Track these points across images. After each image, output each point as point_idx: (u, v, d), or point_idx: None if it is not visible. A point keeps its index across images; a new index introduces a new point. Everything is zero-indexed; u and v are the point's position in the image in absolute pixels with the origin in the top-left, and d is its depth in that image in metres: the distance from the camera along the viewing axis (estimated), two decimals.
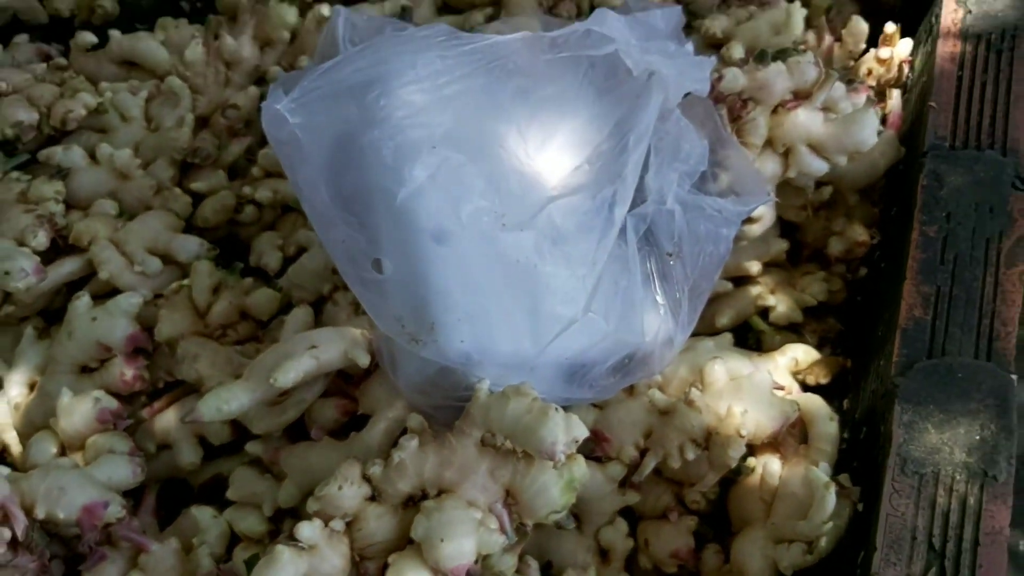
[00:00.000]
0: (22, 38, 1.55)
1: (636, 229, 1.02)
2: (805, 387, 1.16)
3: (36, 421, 1.12)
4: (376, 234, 0.92)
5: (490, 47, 0.95)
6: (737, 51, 1.20)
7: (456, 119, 0.92)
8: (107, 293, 1.19)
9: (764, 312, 1.23)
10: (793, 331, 1.24)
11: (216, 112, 1.34)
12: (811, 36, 1.29)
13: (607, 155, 1.00)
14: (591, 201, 0.98)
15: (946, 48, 1.20)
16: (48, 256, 1.19)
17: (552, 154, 0.98)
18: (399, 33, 0.96)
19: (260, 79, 1.42)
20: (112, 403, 1.09)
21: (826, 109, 1.15)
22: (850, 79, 1.23)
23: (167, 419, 1.14)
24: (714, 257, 1.05)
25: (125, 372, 1.12)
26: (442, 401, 1.00)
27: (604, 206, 0.98)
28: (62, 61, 1.44)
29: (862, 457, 1.02)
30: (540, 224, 0.94)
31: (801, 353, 1.13)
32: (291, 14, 1.42)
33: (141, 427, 1.14)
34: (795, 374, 1.15)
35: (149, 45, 1.40)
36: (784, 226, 1.27)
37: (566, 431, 0.90)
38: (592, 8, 1.42)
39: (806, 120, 1.12)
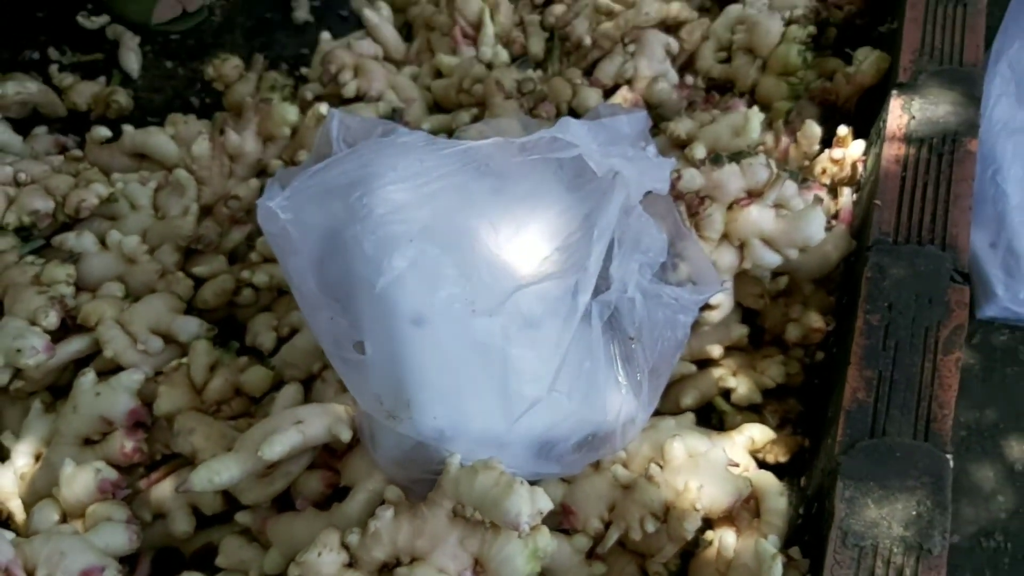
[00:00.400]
0: (41, 130, 1.66)
1: (601, 315, 1.10)
2: (764, 465, 1.23)
3: (40, 490, 1.20)
4: (358, 319, 1.01)
5: (465, 151, 1.05)
6: (699, 151, 1.30)
7: (433, 215, 1.02)
8: (112, 370, 1.27)
9: (727, 393, 1.31)
10: (755, 411, 1.31)
11: (219, 202, 1.44)
12: (769, 138, 1.39)
13: (573, 247, 1.09)
14: (557, 289, 1.06)
15: (891, 150, 1.30)
16: (57, 335, 1.28)
17: (522, 245, 1.08)
18: (383, 139, 1.07)
19: (262, 171, 1.53)
20: (112, 474, 1.16)
21: (778, 206, 1.24)
22: (805, 178, 1.33)
23: (163, 490, 1.21)
24: (672, 342, 1.13)
25: (125, 445, 1.20)
26: (418, 475, 1.07)
27: (569, 293, 1.07)
28: (78, 153, 1.55)
29: (812, 531, 1.09)
30: (508, 310, 1.03)
31: (757, 432, 1.21)
32: (292, 112, 1.53)
33: (138, 497, 1.21)
34: (754, 452, 1.23)
35: (159, 139, 1.51)
36: (745, 313, 1.36)
37: (531, 503, 0.97)
38: (570, 109, 1.53)
39: (758, 216, 1.22)
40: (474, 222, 1.04)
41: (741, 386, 1.29)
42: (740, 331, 1.31)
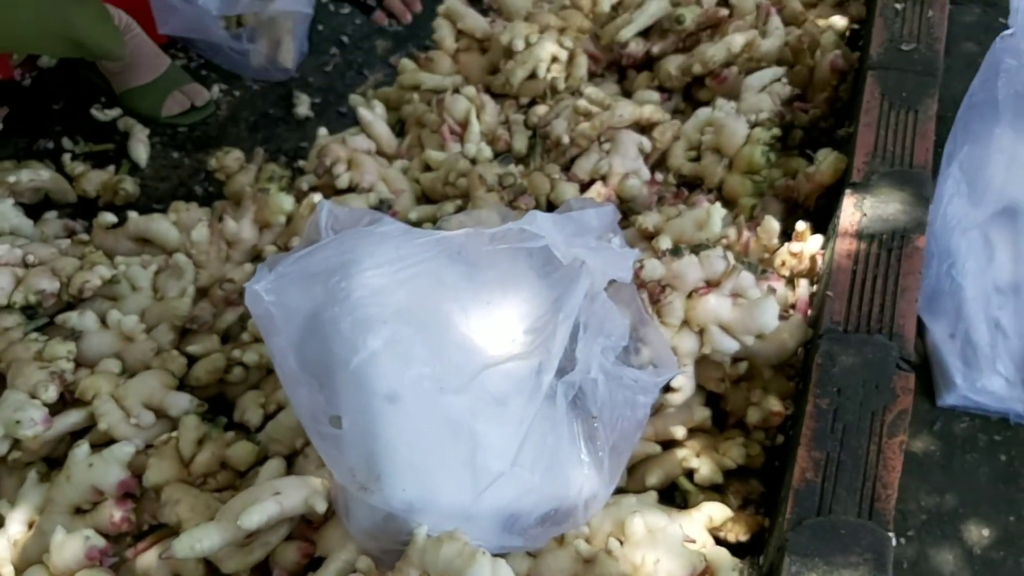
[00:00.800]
0: (52, 215, 1.76)
1: (565, 395, 1.18)
2: (726, 543, 1.29)
3: (31, 556, 1.25)
4: (334, 395, 1.09)
5: (438, 240, 1.14)
6: (664, 243, 1.40)
7: (407, 299, 1.10)
8: (106, 442, 1.34)
9: (691, 473, 1.37)
10: (718, 492, 1.37)
11: (215, 284, 1.52)
12: (732, 231, 1.48)
13: (540, 330, 1.17)
14: (522, 369, 1.14)
15: (844, 245, 1.38)
16: (56, 408, 1.35)
17: (491, 328, 1.15)
18: (363, 228, 1.16)
19: (257, 256, 1.62)
20: (100, 542, 1.22)
21: (736, 295, 1.33)
22: (764, 269, 1.42)
23: (149, 558, 1.27)
24: (632, 421, 1.20)
25: (114, 514, 1.26)
26: (389, 545, 1.13)
27: (533, 373, 1.14)
28: (85, 237, 1.65)
29: None
30: (475, 388, 1.11)
31: (716, 511, 1.26)
32: (288, 202, 1.63)
33: (125, 565, 1.26)
34: (715, 531, 1.28)
35: (161, 225, 1.61)
36: (709, 396, 1.43)
37: (492, 574, 1.03)
38: (548, 202, 1.62)
39: (715, 305, 1.30)
40: (446, 306, 1.13)
41: (703, 467, 1.35)
42: (703, 413, 1.38)
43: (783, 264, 1.46)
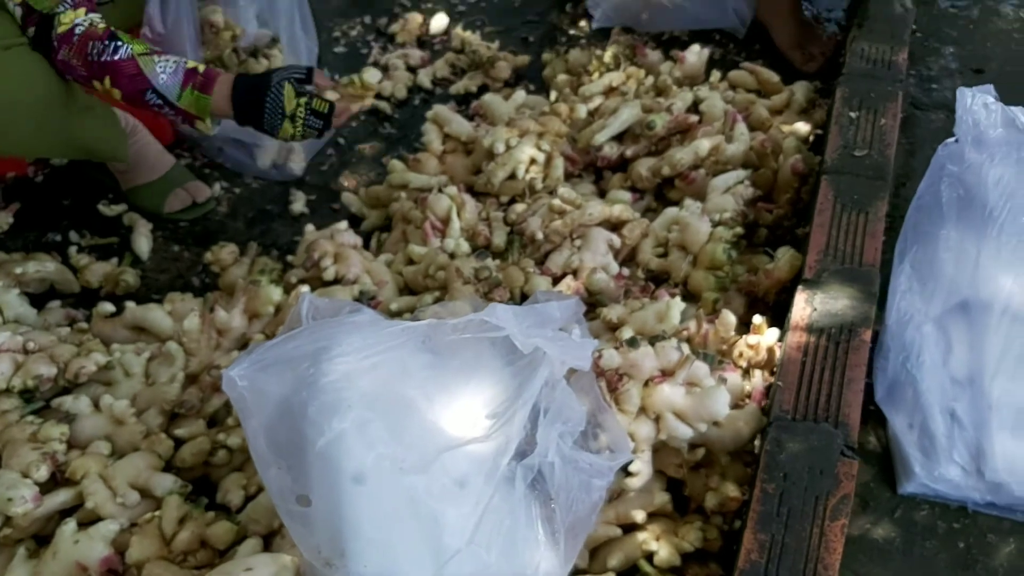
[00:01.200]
0: (55, 304, 1.86)
1: (524, 477, 1.24)
2: None
3: None
4: (302, 475, 1.16)
5: (404, 329, 1.23)
6: (627, 334, 1.48)
7: (372, 384, 1.18)
8: (93, 520, 1.41)
9: (651, 556, 1.42)
10: (677, 574, 1.42)
11: (204, 371, 1.61)
12: (693, 324, 1.56)
13: (500, 415, 1.24)
14: (482, 451, 1.21)
15: (794, 338, 1.46)
16: (47, 487, 1.42)
17: (453, 412, 1.23)
18: (335, 318, 1.25)
19: (245, 345, 1.70)
20: None
21: (691, 384, 1.40)
22: (721, 360, 1.50)
23: None
24: (587, 504, 1.27)
25: None
26: None
27: (492, 456, 1.21)
28: (84, 325, 1.74)
29: None
30: (436, 469, 1.17)
31: None
32: (276, 293, 1.72)
33: None
34: None
35: (156, 315, 1.70)
36: (670, 482, 1.49)
37: None
38: (522, 294, 1.71)
39: (670, 393, 1.37)
40: (410, 391, 1.21)
41: (663, 550, 1.40)
42: (662, 498, 1.44)
43: (741, 355, 1.54)
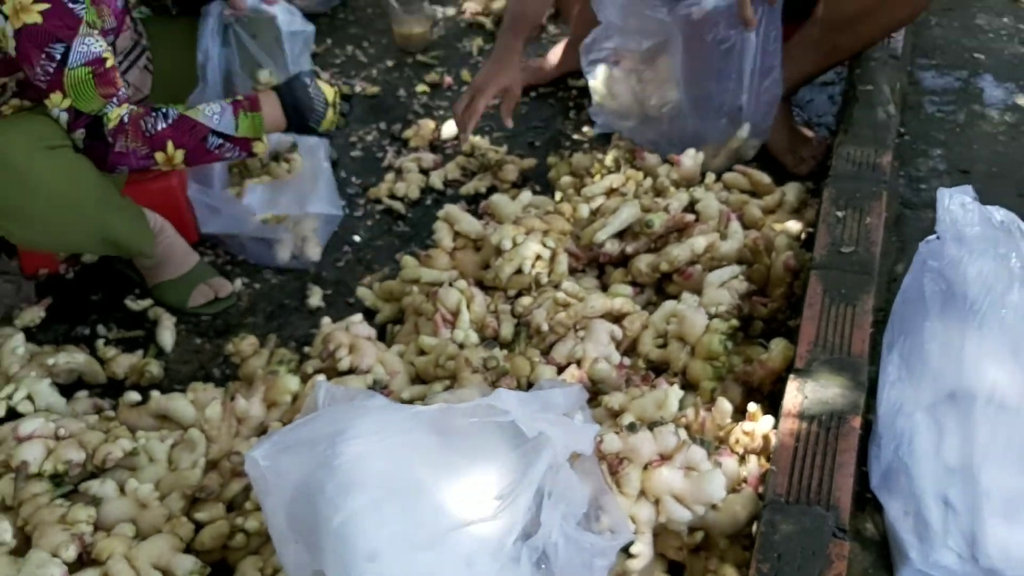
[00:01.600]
0: (83, 394, 1.95)
1: (529, 557, 1.31)
2: None
3: None
4: (318, 552, 1.23)
5: (416, 414, 1.31)
6: (627, 420, 1.55)
7: (386, 465, 1.26)
8: None
9: None
10: None
11: (224, 457, 1.68)
12: (690, 411, 1.64)
13: (506, 496, 1.31)
14: (488, 530, 1.27)
15: (787, 425, 1.54)
16: (74, 567, 1.48)
17: (461, 493, 1.30)
18: (351, 404, 1.33)
19: (263, 432, 1.78)
20: None
21: (689, 468, 1.47)
22: (718, 445, 1.57)
23: None
24: None
25: None
26: None
27: (498, 536, 1.28)
28: (111, 413, 1.83)
29: None
30: (445, 547, 1.24)
31: None
32: (294, 383, 1.81)
33: None
34: None
35: (179, 404, 1.79)
36: (672, 565, 1.55)
37: None
38: (528, 383, 1.80)
39: (668, 476, 1.44)
40: (420, 472, 1.28)
41: None
42: None
43: (737, 442, 1.61)
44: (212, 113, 1.90)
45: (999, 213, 1.73)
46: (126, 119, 1.85)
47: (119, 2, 1.98)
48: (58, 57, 1.76)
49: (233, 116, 1.90)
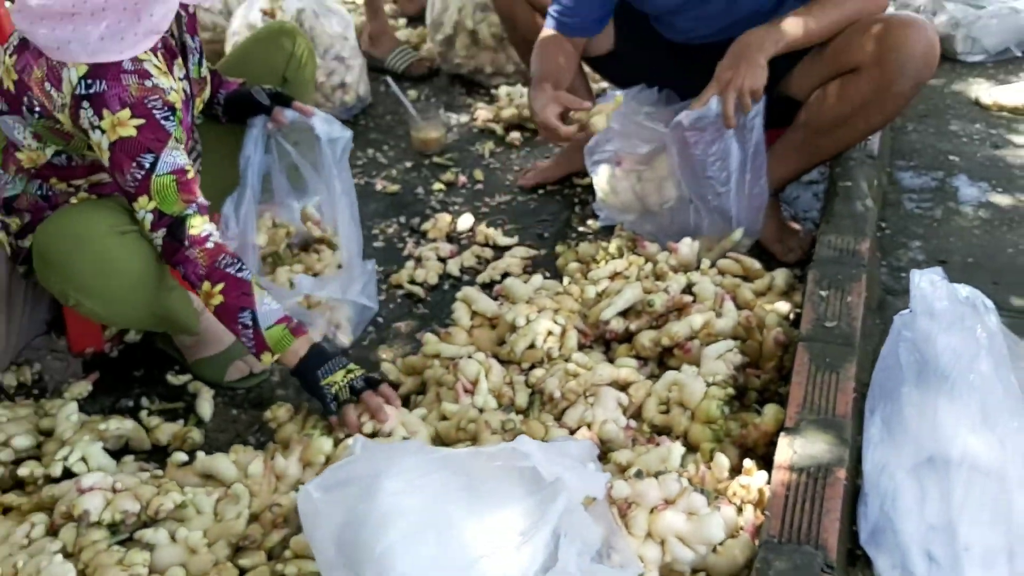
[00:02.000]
0: (129, 458, 2.11)
1: None
2: None
3: None
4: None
5: (447, 456, 1.48)
6: (634, 469, 1.72)
7: (420, 501, 1.42)
8: None
9: None
10: None
11: (266, 509, 1.84)
12: (692, 467, 1.80)
13: (526, 533, 1.47)
14: (512, 562, 1.43)
15: (779, 476, 1.70)
16: None
17: (486, 528, 1.45)
18: (390, 444, 1.50)
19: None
20: None
21: (691, 513, 1.63)
22: (716, 496, 1.73)
23: None
24: None
25: None
26: None
27: (521, 566, 1.43)
28: (159, 472, 1.99)
29: None
30: (474, 573, 1.40)
31: None
32: (328, 444, 1.97)
33: None
34: None
35: (223, 463, 1.95)
36: None
37: None
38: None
39: (672, 519, 1.61)
40: (451, 508, 1.44)
41: None
42: None
43: (734, 494, 1.77)
44: (267, 303, 2.02)
45: (965, 290, 1.93)
46: (212, 240, 2.04)
47: (189, 118, 2.23)
48: (147, 166, 1.98)
49: (276, 319, 2.04)
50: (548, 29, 2.77)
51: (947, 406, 1.87)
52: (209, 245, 2.04)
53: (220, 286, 2.02)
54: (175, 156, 2.01)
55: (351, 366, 2.09)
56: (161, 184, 2.00)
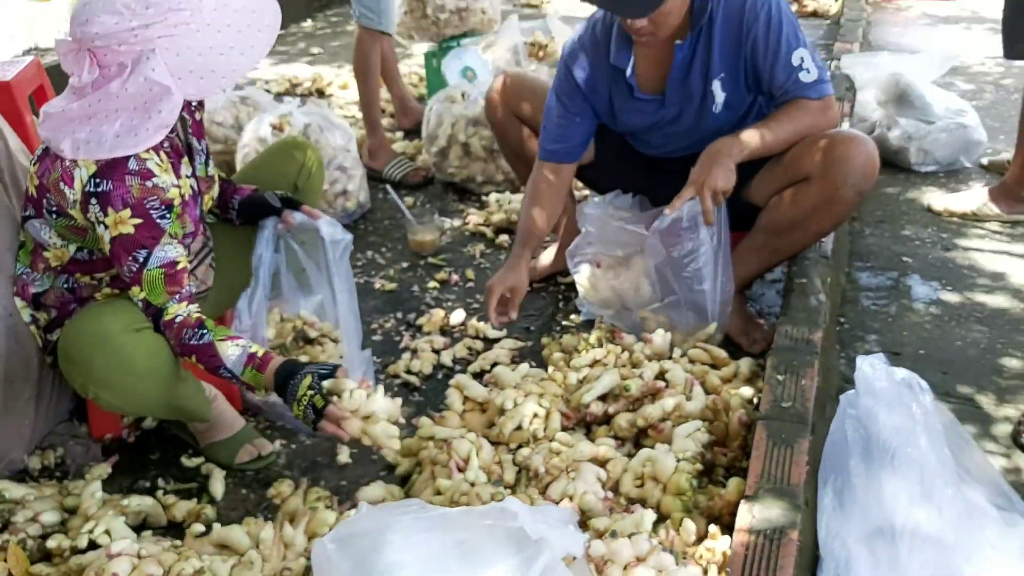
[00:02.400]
0: (147, 533, 2.28)
1: None
2: None
3: None
4: None
5: (442, 515, 1.69)
6: (609, 532, 1.92)
7: (420, 552, 1.62)
8: None
9: None
10: None
11: (276, 574, 2.02)
12: (663, 533, 2.00)
13: None
14: None
15: (739, 538, 1.90)
16: None
17: None
18: (393, 504, 1.71)
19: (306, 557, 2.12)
20: None
21: (660, 571, 1.83)
22: (683, 557, 1.92)
23: None
24: None
25: None
26: None
27: None
28: (178, 543, 2.17)
29: None
30: None
31: None
32: (331, 516, 2.16)
33: None
34: None
35: (237, 534, 2.13)
36: None
37: None
38: None
39: (643, 574, 1.80)
40: (447, 559, 1.64)
41: None
42: None
43: (701, 557, 1.96)
44: (232, 354, 2.23)
45: (901, 372, 2.18)
46: (176, 321, 2.27)
47: (197, 212, 2.48)
48: (141, 260, 2.23)
49: (243, 365, 2.25)
50: (540, 163, 3.09)
51: (890, 478, 2.09)
52: (175, 326, 2.26)
53: (193, 357, 2.27)
54: (167, 251, 2.24)
55: (304, 382, 2.20)
56: (151, 277, 2.24)
